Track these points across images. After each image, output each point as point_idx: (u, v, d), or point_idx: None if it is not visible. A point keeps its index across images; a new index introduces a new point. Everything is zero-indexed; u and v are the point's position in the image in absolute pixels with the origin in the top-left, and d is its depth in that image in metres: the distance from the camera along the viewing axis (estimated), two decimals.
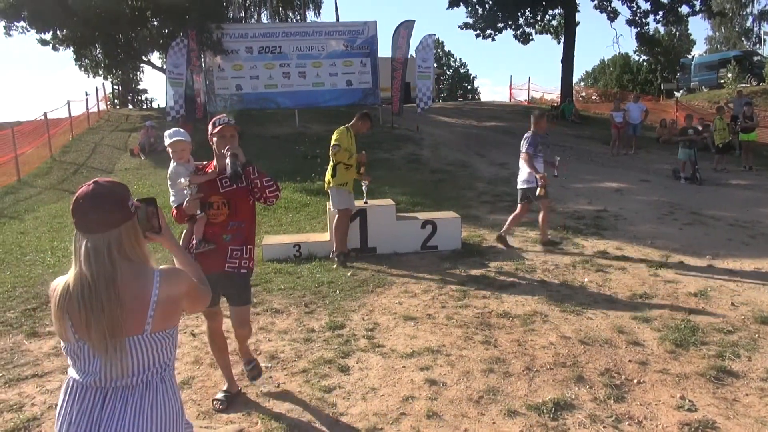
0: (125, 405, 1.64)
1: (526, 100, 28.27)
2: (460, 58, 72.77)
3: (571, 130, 19.28)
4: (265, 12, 30.45)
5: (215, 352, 3.56)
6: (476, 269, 6.17)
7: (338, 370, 3.86)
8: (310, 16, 31.09)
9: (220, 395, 3.48)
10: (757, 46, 42.09)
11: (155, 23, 19.68)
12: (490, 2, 24.79)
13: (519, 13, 25.19)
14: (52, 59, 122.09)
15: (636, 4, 24.15)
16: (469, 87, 60.63)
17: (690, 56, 38.78)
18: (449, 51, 60.42)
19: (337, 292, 5.52)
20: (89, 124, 19.24)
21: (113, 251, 1.62)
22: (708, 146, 14.85)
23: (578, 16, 28.60)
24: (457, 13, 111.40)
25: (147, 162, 14.35)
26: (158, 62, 24.00)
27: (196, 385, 3.75)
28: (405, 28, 17.54)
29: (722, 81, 26.42)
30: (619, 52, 44.49)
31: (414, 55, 18.10)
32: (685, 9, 23.74)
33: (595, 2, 24.46)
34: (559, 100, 23.86)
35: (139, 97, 40.75)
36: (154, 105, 37.63)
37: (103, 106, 22.93)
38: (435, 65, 20.24)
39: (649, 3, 23.79)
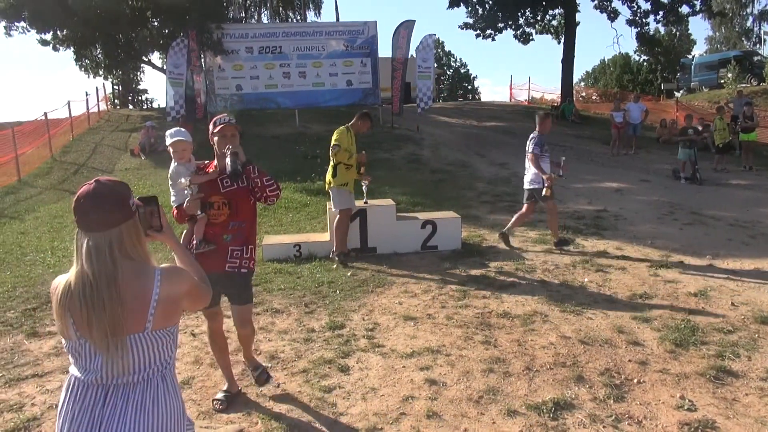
0: (126, 402, 1.65)
1: (526, 100, 28.28)
2: (461, 58, 73.05)
3: (571, 130, 19.28)
4: (266, 12, 30.54)
5: (215, 352, 3.56)
6: (476, 269, 6.17)
7: (338, 370, 3.86)
8: (311, 16, 31.20)
9: (220, 395, 3.48)
10: (758, 46, 42.22)
11: (155, 23, 19.70)
12: (490, 2, 24.81)
13: (519, 13, 25.22)
14: (53, 59, 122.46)
15: (636, 4, 24.20)
16: (469, 87, 60.65)
17: (690, 56, 38.80)
18: (449, 51, 60.57)
19: (337, 292, 5.52)
20: (89, 124, 19.25)
21: (114, 250, 1.63)
22: (708, 146, 14.86)
23: (578, 16, 28.67)
24: (457, 13, 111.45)
25: (147, 162, 14.36)
26: (158, 62, 24.09)
27: (196, 385, 3.75)
28: (405, 28, 17.54)
29: (722, 81, 26.44)
30: (620, 52, 44.50)
31: (414, 55, 18.10)
32: (685, 9, 23.80)
33: (596, 2, 24.50)
34: (560, 100, 23.87)
35: (140, 98, 40.87)
36: (155, 105, 37.74)
37: (103, 107, 22.96)
38: (435, 65, 20.23)
39: (649, 3, 23.84)
